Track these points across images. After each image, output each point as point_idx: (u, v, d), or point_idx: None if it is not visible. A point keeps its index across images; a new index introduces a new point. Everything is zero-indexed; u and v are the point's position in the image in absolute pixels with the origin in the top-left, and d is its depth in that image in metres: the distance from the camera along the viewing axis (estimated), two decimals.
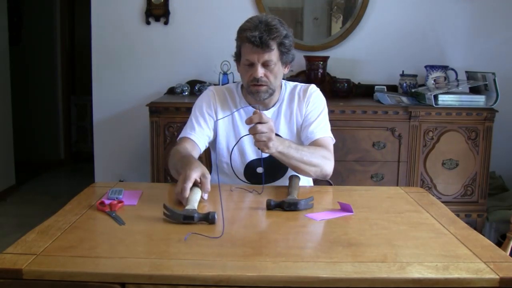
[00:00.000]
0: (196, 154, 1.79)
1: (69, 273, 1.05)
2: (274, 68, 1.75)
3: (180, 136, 1.86)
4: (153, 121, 2.91)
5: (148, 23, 3.38)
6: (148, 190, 1.69)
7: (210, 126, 1.87)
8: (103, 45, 3.41)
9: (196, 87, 3.22)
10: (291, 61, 1.83)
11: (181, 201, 1.47)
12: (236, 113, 1.87)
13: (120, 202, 1.48)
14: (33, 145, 5.32)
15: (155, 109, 2.90)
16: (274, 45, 1.72)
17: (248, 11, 3.27)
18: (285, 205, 1.48)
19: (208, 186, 1.51)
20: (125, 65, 3.42)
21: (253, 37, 1.68)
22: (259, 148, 1.61)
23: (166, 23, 3.38)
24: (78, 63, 5.70)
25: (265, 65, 1.74)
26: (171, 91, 3.34)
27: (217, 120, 1.85)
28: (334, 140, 1.90)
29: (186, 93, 3.25)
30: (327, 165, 1.77)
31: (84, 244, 1.21)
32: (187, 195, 1.45)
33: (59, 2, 5.32)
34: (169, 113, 2.89)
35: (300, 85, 1.93)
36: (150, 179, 3.00)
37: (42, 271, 1.06)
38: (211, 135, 1.87)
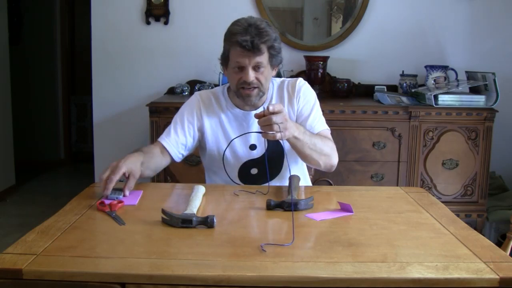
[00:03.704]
0: (163, 159, 1.79)
1: (69, 273, 1.05)
2: (264, 71, 1.74)
3: (158, 139, 1.85)
4: (153, 121, 2.91)
5: (148, 23, 3.38)
6: (148, 190, 1.68)
7: (189, 134, 1.84)
8: (103, 45, 3.41)
9: (196, 87, 3.22)
10: (279, 63, 1.81)
11: (103, 190, 1.51)
12: (223, 116, 1.86)
13: (120, 202, 1.48)
14: (33, 145, 5.32)
15: (155, 109, 2.90)
16: (264, 49, 1.70)
17: (248, 11, 3.27)
18: (285, 205, 1.47)
19: (130, 184, 1.55)
20: (125, 65, 3.42)
21: (244, 41, 1.66)
22: (270, 140, 1.58)
23: (166, 23, 3.38)
24: (78, 63, 5.70)
25: (256, 68, 1.73)
26: (171, 91, 3.34)
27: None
28: (329, 129, 1.91)
29: (186, 93, 3.25)
30: (334, 156, 1.78)
31: (84, 244, 1.21)
32: (110, 188, 1.49)
33: (59, 2, 5.32)
34: (169, 113, 2.88)
35: (287, 80, 1.92)
36: (150, 179, 3.00)
37: (42, 271, 1.06)
38: (189, 143, 1.85)
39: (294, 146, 1.68)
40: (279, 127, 1.52)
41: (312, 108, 1.87)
